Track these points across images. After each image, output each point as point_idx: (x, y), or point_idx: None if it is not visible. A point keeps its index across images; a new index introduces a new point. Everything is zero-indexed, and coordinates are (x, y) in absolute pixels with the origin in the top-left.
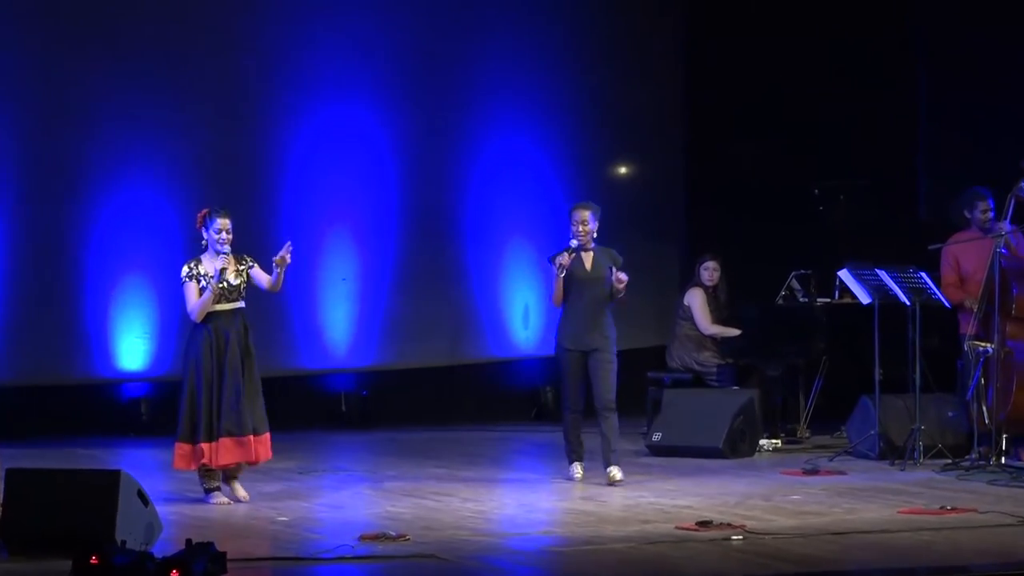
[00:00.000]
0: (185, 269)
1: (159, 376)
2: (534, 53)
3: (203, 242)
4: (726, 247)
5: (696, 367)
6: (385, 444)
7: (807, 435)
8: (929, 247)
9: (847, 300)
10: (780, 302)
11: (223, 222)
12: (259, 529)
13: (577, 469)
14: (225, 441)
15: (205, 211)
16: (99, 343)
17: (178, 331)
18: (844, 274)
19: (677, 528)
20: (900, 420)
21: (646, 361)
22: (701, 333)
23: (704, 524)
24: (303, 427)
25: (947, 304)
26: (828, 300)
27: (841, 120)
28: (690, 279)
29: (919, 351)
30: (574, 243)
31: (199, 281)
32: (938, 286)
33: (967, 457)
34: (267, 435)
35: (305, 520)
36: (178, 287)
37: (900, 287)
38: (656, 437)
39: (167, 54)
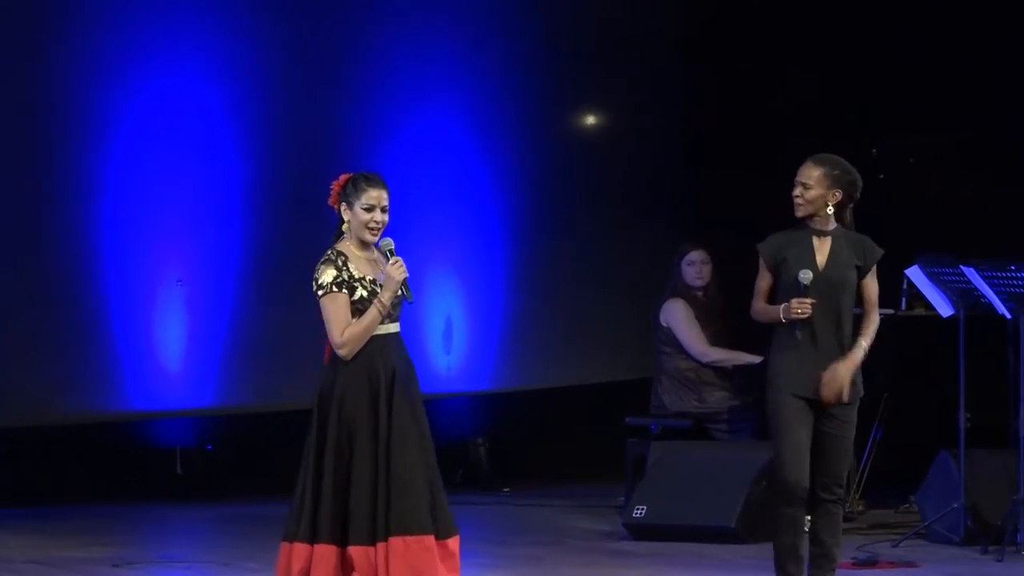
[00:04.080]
0: (330, 272)
1: None
2: None
3: (344, 225)
4: (740, 233)
5: (696, 411)
6: (241, 522)
7: (861, 508)
8: None
9: (919, 311)
10: None
11: (377, 194)
12: None
13: None
14: (412, 543)
15: (346, 177)
16: None
17: None
18: (915, 273)
19: None
20: (996, 487)
21: (624, 401)
22: (697, 362)
23: None
24: (120, 497)
25: None
26: (891, 311)
27: (916, 52)
28: (667, 283)
29: None
30: (806, 276)
31: (353, 290)
32: None
33: None
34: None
35: None
36: None
37: (997, 292)
38: (639, 512)
39: None
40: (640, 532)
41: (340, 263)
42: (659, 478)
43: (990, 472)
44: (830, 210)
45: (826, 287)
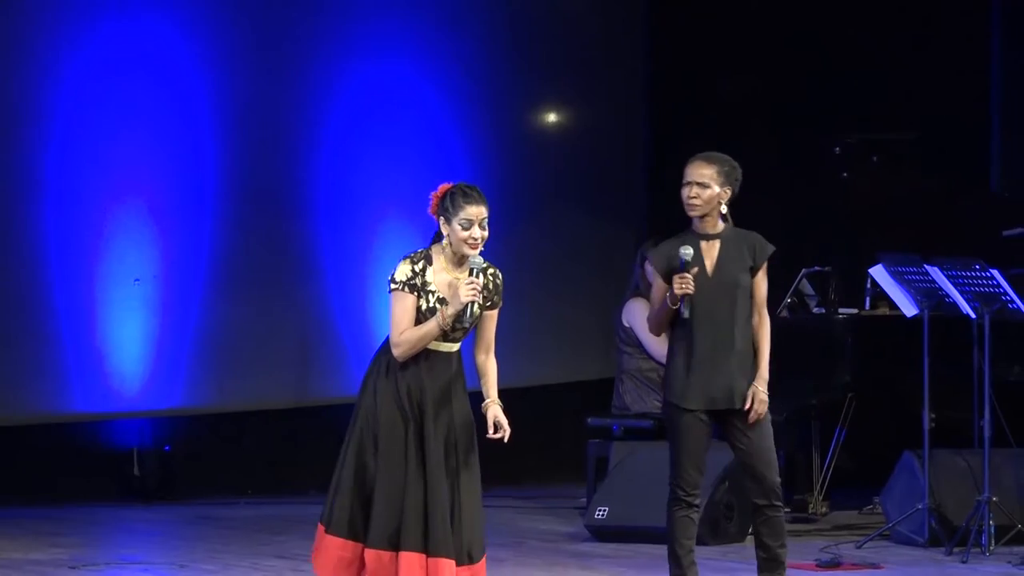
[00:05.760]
0: (406, 269)
1: None
2: None
3: (447, 236)
4: None
5: (658, 411)
6: (198, 524)
7: (824, 510)
8: (1005, 233)
9: (883, 311)
10: (784, 313)
11: (476, 210)
12: None
13: None
14: (412, 558)
15: (447, 187)
16: None
17: None
18: (879, 272)
19: None
20: (961, 488)
21: (586, 402)
22: (659, 363)
23: None
24: (76, 498)
25: None
26: (855, 311)
27: (879, 49)
28: (628, 282)
29: (989, 386)
30: (687, 252)
31: (419, 296)
32: (1018, 290)
33: None
34: (483, 564)
35: None
36: None
37: (962, 292)
38: (600, 514)
39: None
40: (602, 533)
41: (420, 266)
42: (621, 479)
43: (954, 473)
44: (723, 208)
45: (718, 292)
